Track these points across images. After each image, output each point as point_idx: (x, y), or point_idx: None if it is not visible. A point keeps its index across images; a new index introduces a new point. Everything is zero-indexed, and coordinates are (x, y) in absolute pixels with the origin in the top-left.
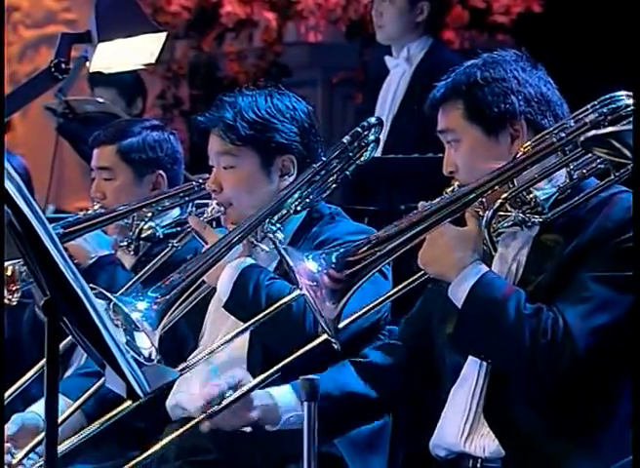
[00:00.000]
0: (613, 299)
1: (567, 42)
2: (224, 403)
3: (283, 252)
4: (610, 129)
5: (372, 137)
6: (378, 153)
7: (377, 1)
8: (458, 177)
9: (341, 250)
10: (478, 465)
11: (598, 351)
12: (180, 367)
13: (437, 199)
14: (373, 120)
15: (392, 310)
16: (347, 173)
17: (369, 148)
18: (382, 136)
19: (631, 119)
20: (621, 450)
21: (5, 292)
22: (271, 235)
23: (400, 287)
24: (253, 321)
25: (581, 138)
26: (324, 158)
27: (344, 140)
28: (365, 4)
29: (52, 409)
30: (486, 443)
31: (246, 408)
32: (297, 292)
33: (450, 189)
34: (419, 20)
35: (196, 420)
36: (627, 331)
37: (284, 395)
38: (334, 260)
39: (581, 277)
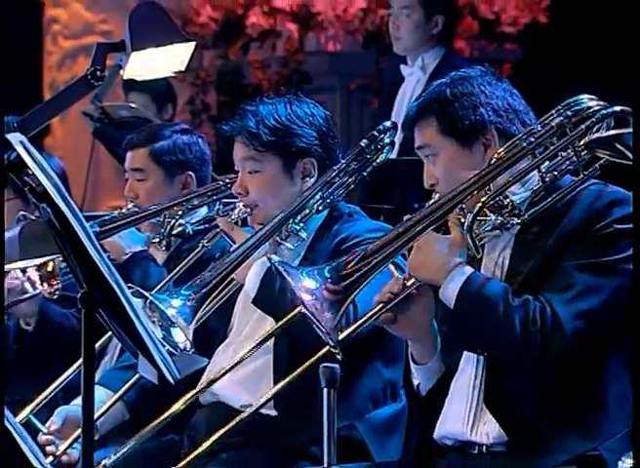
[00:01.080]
0: (596, 285)
1: (571, 51)
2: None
3: (282, 270)
4: (612, 131)
5: (387, 140)
6: (393, 155)
7: (394, 15)
8: (438, 189)
9: (332, 264)
10: (484, 450)
11: (586, 334)
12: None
13: (420, 209)
14: (388, 124)
15: None
16: (365, 173)
17: (385, 150)
18: (398, 140)
19: (602, 120)
20: (613, 427)
21: (46, 286)
22: (270, 257)
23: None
24: (280, 324)
25: (586, 141)
26: (342, 160)
27: (362, 143)
28: (381, 15)
29: (89, 399)
30: (489, 429)
31: None
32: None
33: (431, 201)
34: (434, 33)
35: None
36: (628, 322)
37: None
38: (327, 275)
39: (565, 266)
